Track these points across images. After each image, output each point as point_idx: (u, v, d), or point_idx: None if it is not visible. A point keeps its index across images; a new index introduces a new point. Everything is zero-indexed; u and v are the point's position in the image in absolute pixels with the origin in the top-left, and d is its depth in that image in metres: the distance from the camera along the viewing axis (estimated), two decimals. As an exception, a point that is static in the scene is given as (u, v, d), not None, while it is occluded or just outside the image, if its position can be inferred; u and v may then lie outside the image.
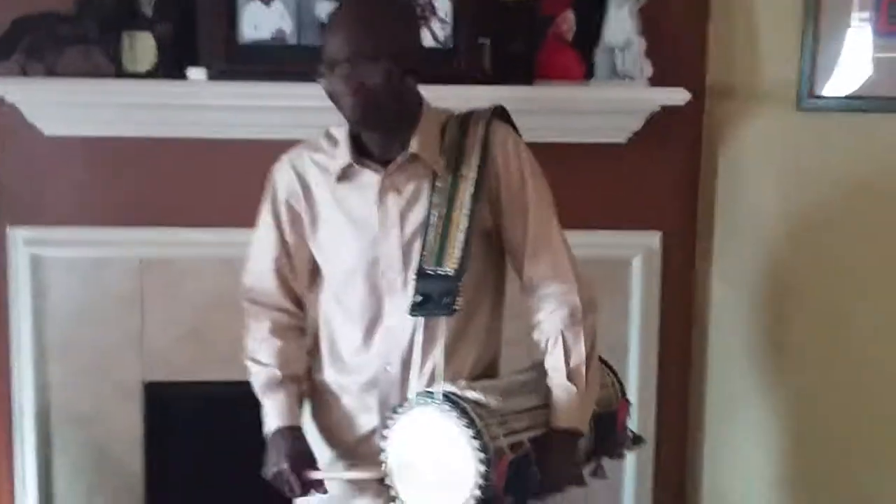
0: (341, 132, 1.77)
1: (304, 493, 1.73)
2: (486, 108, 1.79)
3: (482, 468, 1.56)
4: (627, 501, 2.75)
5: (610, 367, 1.92)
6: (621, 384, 1.92)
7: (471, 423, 1.57)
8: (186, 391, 2.62)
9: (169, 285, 2.57)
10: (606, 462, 1.90)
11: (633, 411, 2.62)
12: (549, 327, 1.75)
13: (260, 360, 1.81)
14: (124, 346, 2.58)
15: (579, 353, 1.74)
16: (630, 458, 2.67)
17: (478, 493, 1.56)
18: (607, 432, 1.85)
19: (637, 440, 1.96)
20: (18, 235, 2.52)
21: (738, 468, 2.66)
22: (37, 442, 2.59)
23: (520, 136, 1.82)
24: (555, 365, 1.74)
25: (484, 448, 1.56)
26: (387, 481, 1.66)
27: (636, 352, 2.69)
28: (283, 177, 1.82)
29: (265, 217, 1.83)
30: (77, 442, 2.61)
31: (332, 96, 1.69)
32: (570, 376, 1.73)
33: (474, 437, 1.56)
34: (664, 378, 2.72)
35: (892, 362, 2.27)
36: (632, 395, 2.64)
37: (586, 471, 1.83)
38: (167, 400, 2.63)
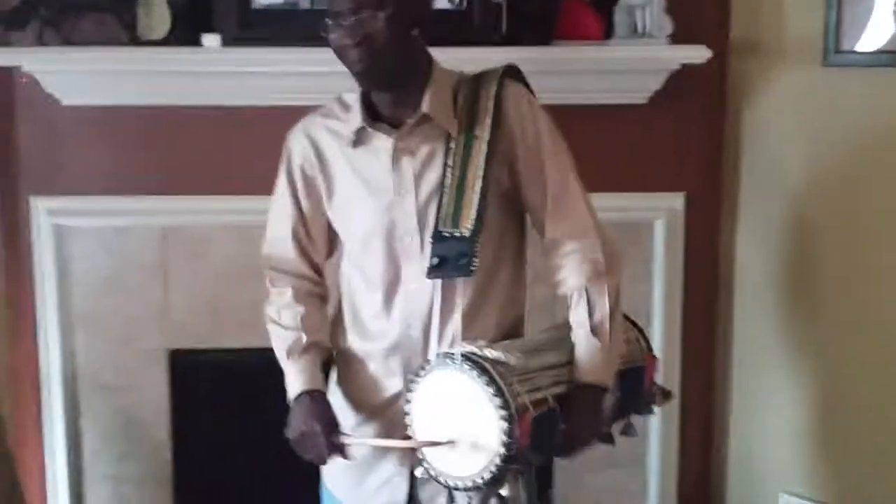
0: (353, 97, 1.76)
1: (330, 456, 1.73)
2: (498, 68, 1.77)
3: (505, 425, 1.55)
4: (653, 461, 2.73)
5: (634, 324, 1.90)
6: (647, 340, 1.90)
7: (491, 381, 1.56)
8: (211, 359, 2.64)
9: (191, 254, 2.58)
10: (635, 419, 1.89)
11: (658, 374, 2.66)
12: (573, 283, 1.73)
13: (283, 324, 1.81)
14: (149, 314, 2.60)
15: (603, 307, 1.72)
16: (655, 420, 2.66)
17: (503, 450, 1.56)
18: (635, 388, 1.83)
19: (666, 395, 1.95)
20: (41, 205, 2.54)
21: (764, 430, 2.64)
22: (64, 410, 2.62)
23: (533, 94, 1.80)
24: (578, 320, 1.73)
25: (505, 405, 1.55)
26: (412, 444, 1.66)
27: (660, 315, 2.66)
28: (297, 145, 1.81)
29: (281, 186, 1.83)
30: (104, 410, 2.65)
31: (338, 51, 1.67)
32: (595, 330, 1.71)
33: (495, 395, 1.55)
34: (689, 341, 2.70)
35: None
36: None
37: (615, 428, 1.82)
38: (192, 368, 2.65)
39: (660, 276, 2.65)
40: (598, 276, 1.72)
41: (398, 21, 1.64)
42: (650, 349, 1.90)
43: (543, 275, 1.80)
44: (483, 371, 1.57)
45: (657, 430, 2.70)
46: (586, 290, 1.72)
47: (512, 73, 1.78)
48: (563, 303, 1.77)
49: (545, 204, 1.74)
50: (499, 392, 1.56)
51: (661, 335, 2.66)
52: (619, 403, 1.79)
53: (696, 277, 2.68)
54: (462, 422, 1.61)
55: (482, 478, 1.58)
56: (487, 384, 1.56)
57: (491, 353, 1.61)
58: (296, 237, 1.82)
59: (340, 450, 1.73)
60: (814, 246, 2.45)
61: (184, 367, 2.65)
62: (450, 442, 1.61)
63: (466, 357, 1.60)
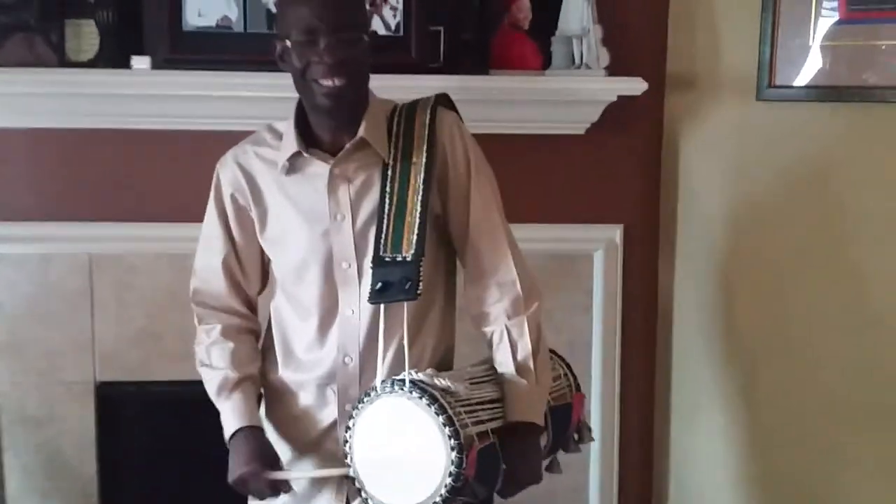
0: (284, 125, 1.74)
1: (274, 494, 1.70)
2: (430, 97, 1.78)
3: (454, 455, 1.53)
4: (593, 495, 2.71)
5: (562, 359, 1.90)
6: (574, 376, 1.90)
7: (441, 410, 1.55)
8: (139, 391, 2.57)
9: (119, 282, 2.52)
10: (563, 456, 1.88)
11: (597, 406, 2.66)
12: (493, 321, 1.74)
13: (212, 365, 1.77)
14: (74, 345, 2.53)
15: (525, 346, 1.72)
16: (595, 451, 2.67)
17: (449, 480, 1.54)
18: (563, 426, 1.83)
19: (589, 433, 1.94)
20: (-36, 231, 2.47)
21: (703, 463, 2.64)
22: (-13, 443, 2.53)
23: (462, 122, 1.81)
24: (502, 360, 1.73)
25: (455, 434, 1.54)
26: (351, 474, 1.63)
27: (599, 346, 2.66)
28: (227, 173, 1.78)
29: (211, 216, 1.79)
30: (28, 444, 2.56)
31: (304, 71, 1.64)
32: (519, 370, 1.71)
33: (445, 424, 1.54)
34: (628, 372, 2.70)
35: (847, 357, 2.25)
36: (595, 389, 2.67)
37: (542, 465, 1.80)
38: (120, 400, 2.59)
39: (598, 308, 2.65)
40: (518, 312, 1.73)
41: (369, 44, 1.66)
42: (578, 387, 1.89)
43: (466, 307, 1.80)
44: (433, 399, 1.56)
45: (597, 461, 2.69)
46: (507, 329, 1.72)
47: (443, 101, 1.79)
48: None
49: (468, 233, 1.75)
50: (449, 421, 1.55)
51: (600, 366, 2.66)
52: (549, 441, 1.79)
53: (635, 308, 2.68)
54: (407, 450, 1.59)
55: None
56: (437, 413, 1.55)
57: (440, 381, 1.60)
58: (227, 269, 1.79)
59: (281, 486, 1.70)
60: (748, 278, 2.47)
61: (111, 400, 2.58)
62: (389, 468, 1.60)
63: (415, 384, 1.59)
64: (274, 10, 2.29)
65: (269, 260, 1.81)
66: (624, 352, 2.68)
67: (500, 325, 1.73)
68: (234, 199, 1.77)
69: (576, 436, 1.89)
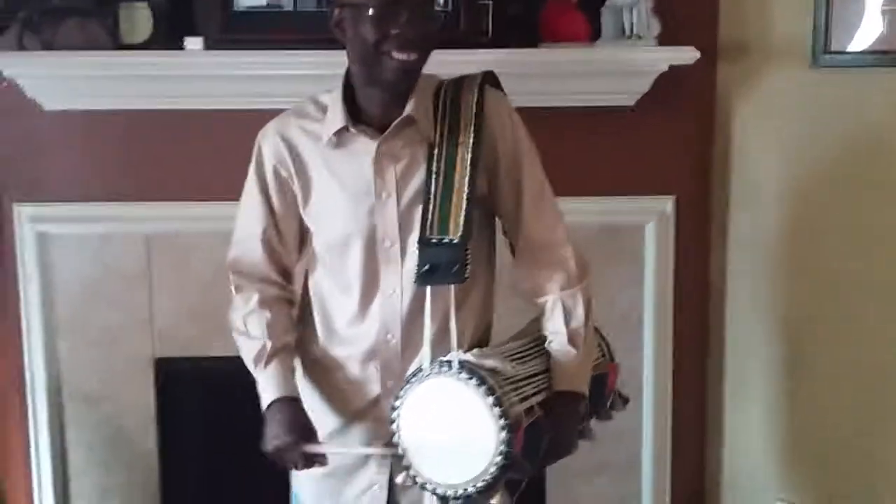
0: (330, 98, 1.72)
1: (308, 466, 1.70)
2: (477, 74, 1.75)
3: (505, 434, 1.54)
4: (646, 467, 2.71)
5: (597, 331, 1.89)
6: (609, 347, 1.90)
7: (490, 391, 1.55)
8: (197, 366, 2.61)
9: (176, 260, 2.56)
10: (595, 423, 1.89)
11: (650, 380, 2.65)
12: (548, 291, 1.74)
13: (249, 333, 1.77)
14: (134, 322, 2.58)
15: (579, 316, 1.73)
16: (648, 425, 2.68)
17: (500, 459, 1.55)
18: (597, 394, 1.83)
19: (625, 401, 1.95)
20: (24, 212, 2.52)
21: (758, 436, 2.62)
22: (49, 419, 2.60)
23: (508, 100, 1.79)
24: (555, 328, 1.73)
25: (505, 414, 1.55)
26: (398, 451, 1.64)
27: (651, 319, 2.65)
28: (269, 145, 1.77)
29: (251, 187, 1.79)
30: (90, 419, 2.62)
31: (375, 43, 1.60)
32: (571, 339, 1.72)
33: (494, 405, 1.55)
34: (681, 345, 2.68)
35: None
36: (648, 362, 2.67)
37: None
38: (178, 376, 2.63)
39: (650, 281, 2.63)
40: (572, 285, 1.73)
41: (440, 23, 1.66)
42: (612, 357, 1.90)
43: (511, 282, 1.79)
44: (482, 381, 1.56)
45: (650, 435, 2.69)
46: (561, 299, 1.73)
47: (490, 79, 1.77)
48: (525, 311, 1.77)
49: (521, 212, 1.74)
50: (498, 402, 1.55)
51: (652, 339, 2.65)
52: (585, 409, 1.79)
53: (687, 281, 2.66)
54: (455, 430, 1.59)
55: (475, 486, 1.57)
56: (486, 393, 1.55)
57: (487, 361, 1.60)
58: (265, 239, 1.79)
59: (317, 459, 1.70)
60: (804, 249, 2.43)
61: (170, 376, 2.63)
62: (438, 447, 1.60)
63: (463, 365, 1.59)
64: (323, -14, 2.30)
65: (307, 230, 1.81)
66: (676, 325, 2.66)
67: (555, 294, 1.73)
68: (276, 171, 1.75)
69: (609, 404, 1.90)
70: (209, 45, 2.30)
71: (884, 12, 2.18)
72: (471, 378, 1.57)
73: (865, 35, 2.22)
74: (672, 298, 2.65)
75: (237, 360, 1.82)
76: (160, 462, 2.65)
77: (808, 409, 2.47)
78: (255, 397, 1.79)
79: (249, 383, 1.87)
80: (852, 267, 2.32)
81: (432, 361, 1.64)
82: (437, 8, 1.67)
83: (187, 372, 2.63)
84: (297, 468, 1.71)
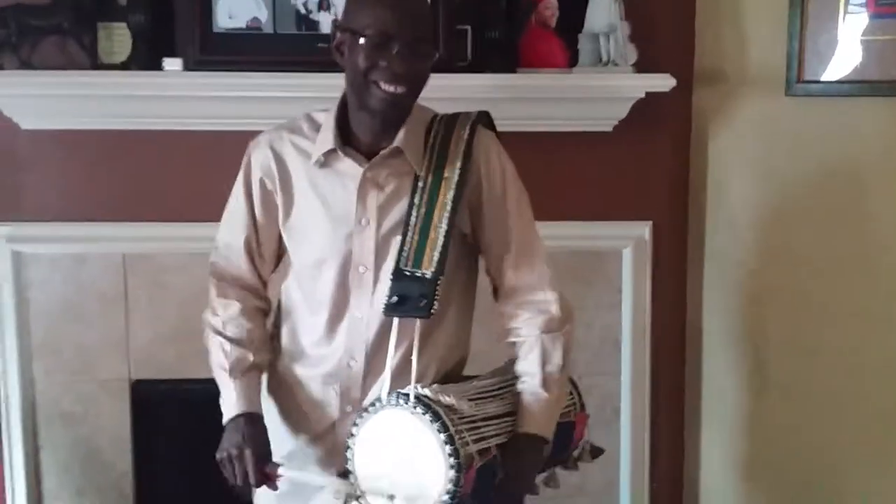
0: (324, 116, 1.73)
1: (258, 484, 1.68)
2: (472, 113, 1.76)
3: (453, 474, 1.54)
4: (623, 493, 2.71)
5: (570, 379, 1.88)
6: (580, 395, 1.88)
7: (443, 428, 1.55)
8: (174, 389, 2.60)
9: (153, 281, 2.55)
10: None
11: (627, 403, 2.66)
12: (527, 332, 1.73)
13: (228, 338, 1.76)
14: (109, 343, 2.56)
15: (555, 360, 1.72)
16: (625, 448, 2.69)
17: (446, 498, 1.54)
18: (563, 443, 1.82)
19: (595, 453, 1.93)
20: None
21: (733, 460, 2.63)
22: (24, 440, 2.57)
23: (499, 142, 1.79)
24: (528, 370, 1.72)
25: (455, 453, 1.54)
26: (351, 480, 1.63)
27: (628, 343, 2.66)
28: (259, 156, 1.77)
29: (238, 195, 1.79)
30: (65, 440, 2.60)
31: (364, 71, 1.61)
32: (544, 383, 1.71)
33: (446, 443, 1.54)
34: (658, 369, 2.69)
35: (881, 357, 2.24)
36: (625, 385, 2.67)
37: (539, 479, 1.80)
38: (154, 398, 2.61)
39: (628, 305, 2.64)
40: (554, 329, 1.73)
41: (434, 61, 1.66)
42: (582, 406, 1.88)
43: (491, 320, 1.79)
44: (436, 416, 1.56)
45: (627, 457, 2.70)
46: (541, 341, 1.72)
47: (484, 119, 1.78)
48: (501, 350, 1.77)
49: (508, 253, 1.74)
50: (450, 440, 1.54)
51: (630, 362, 2.66)
52: (548, 455, 1.78)
53: (664, 305, 2.67)
54: (407, 464, 1.59)
55: None
56: (440, 430, 1.55)
57: (444, 398, 1.60)
58: (248, 248, 1.78)
59: (269, 479, 1.68)
60: (779, 274, 2.45)
61: (146, 398, 2.61)
62: (389, 479, 1.59)
63: (420, 399, 1.58)
64: (303, 11, 2.31)
65: (285, 248, 1.80)
66: (653, 348, 2.67)
67: (534, 336, 1.72)
68: (262, 182, 1.76)
69: (576, 454, 1.89)
70: (188, 66, 2.30)
71: (853, 43, 2.22)
72: (425, 413, 1.56)
73: (838, 65, 2.25)
74: (649, 322, 2.66)
75: (214, 383, 1.80)
76: (135, 485, 2.62)
77: (783, 432, 2.48)
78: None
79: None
80: (827, 290, 2.34)
81: (390, 392, 1.63)
82: (434, 50, 1.66)
83: (163, 394, 2.61)
84: (240, 482, 1.68)
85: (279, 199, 1.76)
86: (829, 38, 2.26)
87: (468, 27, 2.34)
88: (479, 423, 1.63)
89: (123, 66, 2.33)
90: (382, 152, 1.68)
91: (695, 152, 2.61)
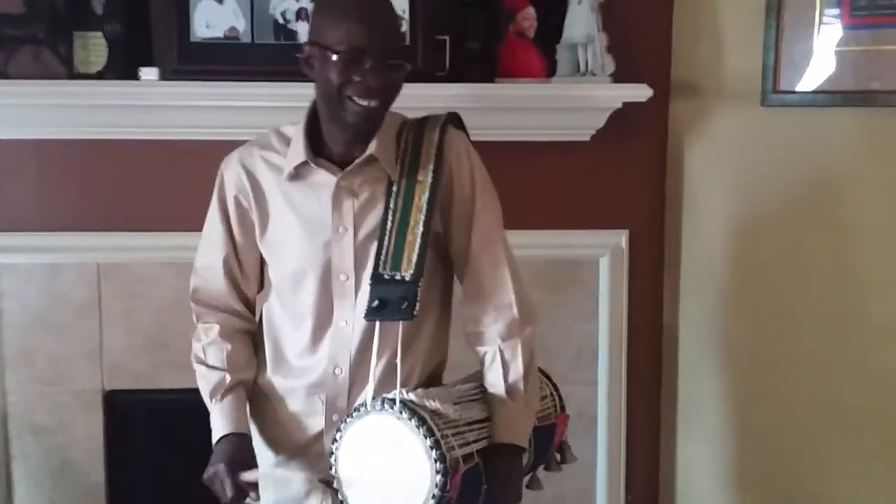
0: (293, 130, 1.73)
1: (238, 498, 1.67)
2: (441, 115, 1.77)
3: (440, 478, 1.54)
4: (601, 500, 2.72)
5: (549, 379, 1.90)
6: (560, 397, 1.90)
7: (430, 433, 1.55)
8: (147, 399, 2.58)
9: (127, 291, 2.53)
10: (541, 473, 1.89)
11: (603, 410, 2.67)
12: (487, 341, 1.74)
13: (208, 364, 1.77)
14: (83, 353, 2.54)
15: (517, 368, 1.72)
16: (601, 458, 2.69)
17: (433, 503, 1.54)
18: (544, 445, 1.84)
19: (570, 456, 1.94)
20: (-27, 241, 2.48)
21: (708, 469, 2.64)
22: (-6, 452, 2.55)
23: (471, 142, 1.80)
24: (493, 381, 1.73)
25: (442, 458, 1.54)
26: (335, 486, 1.63)
27: (605, 351, 2.67)
28: (231, 175, 1.77)
29: (213, 215, 1.79)
30: (37, 452, 2.57)
31: (338, 86, 1.60)
32: (510, 392, 1.72)
33: (432, 448, 1.54)
34: (634, 377, 2.70)
35: (851, 364, 2.26)
36: (601, 393, 2.68)
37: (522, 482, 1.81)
38: (128, 409, 2.59)
39: (605, 313, 2.65)
40: (512, 335, 1.73)
41: (407, 73, 1.65)
42: (563, 408, 1.90)
43: (461, 325, 1.79)
44: (422, 421, 1.56)
45: (604, 466, 2.70)
46: (500, 351, 1.73)
47: (454, 120, 1.79)
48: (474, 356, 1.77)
49: (468, 253, 1.75)
50: (436, 444, 1.55)
51: (607, 371, 2.67)
52: (530, 458, 1.80)
53: (641, 313, 2.69)
54: (392, 469, 1.59)
55: None
56: (426, 435, 1.55)
57: (430, 403, 1.60)
58: (227, 268, 1.78)
59: (248, 489, 1.67)
60: (754, 282, 2.47)
61: (119, 409, 2.59)
62: (374, 485, 1.59)
63: (405, 404, 1.58)
64: (281, 20, 2.30)
65: (266, 263, 1.81)
66: (630, 357, 2.68)
67: (494, 346, 1.73)
68: (237, 200, 1.76)
69: (558, 455, 1.90)
70: (165, 76, 2.29)
71: (828, 54, 2.24)
72: (411, 418, 1.56)
73: (813, 75, 2.27)
74: (626, 331, 2.67)
75: (188, 394, 1.80)
76: (108, 496, 2.60)
77: (760, 439, 2.50)
78: (207, 431, 1.77)
79: (200, 417, 1.85)
80: (800, 298, 2.36)
81: (375, 398, 1.63)
82: (406, 62, 1.65)
83: (137, 405, 2.59)
84: (225, 499, 1.67)
85: (255, 216, 1.76)
86: (805, 48, 2.28)
87: (447, 37, 2.35)
88: (463, 428, 1.63)
89: (99, 76, 2.32)
90: (357, 161, 1.68)
91: (671, 161, 2.63)
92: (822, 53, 2.25)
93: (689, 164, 2.59)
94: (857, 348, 2.26)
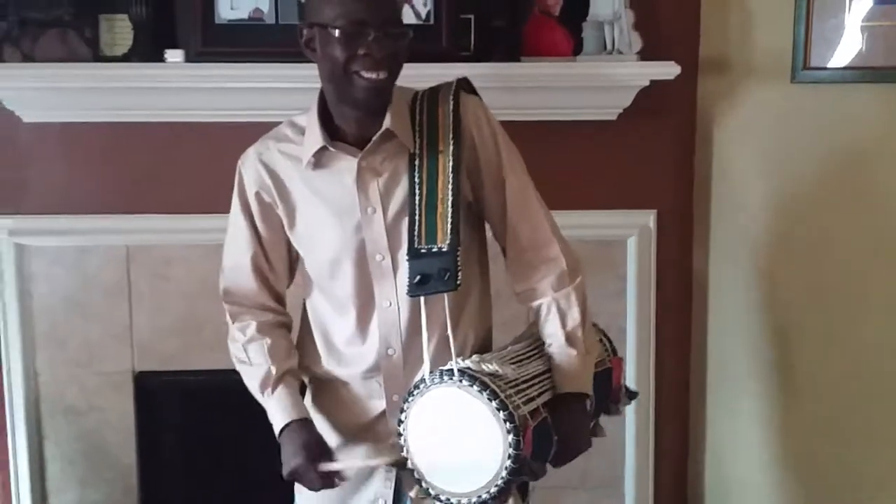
0: (306, 119, 1.72)
1: (326, 485, 1.70)
2: (451, 81, 1.75)
3: (512, 438, 1.55)
4: (628, 481, 2.71)
5: (596, 325, 1.89)
6: (610, 341, 1.91)
7: (493, 395, 1.56)
8: (177, 380, 2.60)
9: (156, 273, 2.54)
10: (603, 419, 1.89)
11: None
12: (540, 295, 1.74)
13: (251, 362, 1.76)
14: (113, 335, 2.56)
15: (574, 316, 1.73)
16: (630, 437, 2.68)
17: (509, 462, 1.55)
18: (604, 390, 1.84)
19: (631, 395, 1.95)
20: (2, 225, 2.50)
21: (739, 448, 2.63)
22: (28, 433, 2.57)
23: (484, 104, 1.79)
24: (552, 331, 1.73)
25: (510, 418, 1.55)
26: (408, 465, 1.64)
27: (633, 331, 2.65)
28: (250, 171, 1.76)
29: (236, 214, 1.78)
30: (68, 433, 2.60)
31: (343, 63, 1.59)
32: (569, 341, 1.72)
33: (499, 409, 1.55)
34: (662, 358, 2.69)
35: (887, 342, 2.23)
36: (630, 375, 2.64)
37: None
38: (158, 390, 2.62)
39: (633, 293, 2.64)
40: (564, 285, 1.73)
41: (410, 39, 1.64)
42: (615, 351, 1.90)
43: (507, 286, 1.79)
44: (484, 386, 1.57)
45: (632, 447, 2.69)
46: (556, 301, 1.73)
47: (464, 85, 1.77)
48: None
49: (506, 214, 1.74)
50: (502, 406, 1.56)
51: (635, 352, 2.65)
52: (592, 406, 1.79)
53: (669, 294, 2.67)
54: (463, 438, 1.60)
55: (489, 492, 1.58)
56: (490, 399, 1.56)
57: (487, 366, 1.60)
58: (256, 266, 1.78)
59: (334, 476, 1.70)
60: (784, 262, 2.45)
61: (150, 390, 2.61)
62: (447, 457, 1.60)
63: (464, 373, 1.59)
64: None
65: (297, 255, 1.80)
66: (658, 337, 2.67)
67: (548, 297, 1.73)
68: (259, 196, 1.75)
69: (617, 399, 1.90)
70: (190, 58, 2.29)
71: (862, 28, 2.20)
72: (472, 385, 1.57)
73: (844, 51, 2.24)
74: (654, 311, 2.66)
75: (217, 375, 1.81)
76: (139, 477, 2.63)
77: (791, 419, 2.48)
78: (237, 411, 1.78)
79: (229, 397, 1.86)
80: (833, 277, 2.34)
81: (432, 372, 1.64)
82: (406, 24, 1.66)
83: (167, 386, 2.61)
84: (315, 488, 1.70)
85: (280, 210, 1.75)
86: (836, 24, 2.24)
87: (472, 16, 2.33)
88: (523, 385, 1.64)
89: (125, 59, 2.32)
90: (374, 138, 1.67)
91: (700, 140, 2.60)
92: (853, 29, 2.22)
93: (719, 143, 2.56)
94: (891, 324, 2.23)
